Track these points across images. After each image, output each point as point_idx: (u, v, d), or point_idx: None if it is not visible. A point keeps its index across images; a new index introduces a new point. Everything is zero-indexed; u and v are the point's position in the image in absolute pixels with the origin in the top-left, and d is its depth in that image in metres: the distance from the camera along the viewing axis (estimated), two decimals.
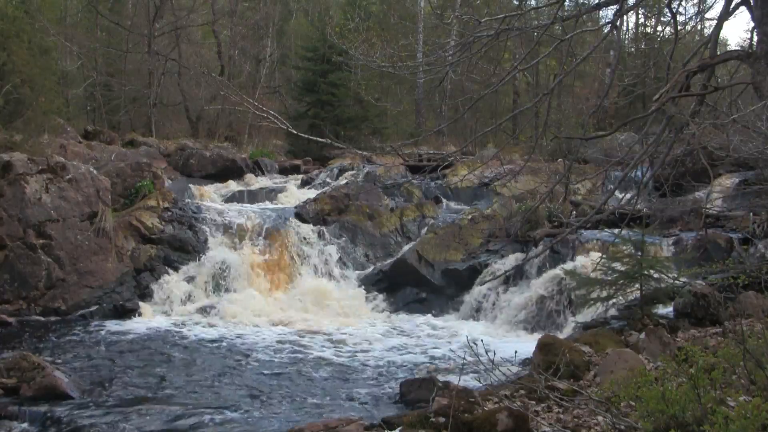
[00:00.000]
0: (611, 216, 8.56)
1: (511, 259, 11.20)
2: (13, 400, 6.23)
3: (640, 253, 6.92)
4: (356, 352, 8.76)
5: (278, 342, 9.16)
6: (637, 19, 24.94)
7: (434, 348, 9.06)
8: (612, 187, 9.79)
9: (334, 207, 13.16)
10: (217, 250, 11.76)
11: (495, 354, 4.09)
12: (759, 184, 9.32)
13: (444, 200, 14.72)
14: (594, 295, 7.06)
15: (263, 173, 17.50)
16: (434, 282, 11.58)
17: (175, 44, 21.56)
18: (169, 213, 11.95)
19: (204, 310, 10.60)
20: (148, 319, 10.24)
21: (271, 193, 15.39)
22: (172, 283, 11.09)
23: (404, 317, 11.05)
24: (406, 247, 12.62)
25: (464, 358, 5.25)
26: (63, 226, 10.64)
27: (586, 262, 9.77)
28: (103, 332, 9.34)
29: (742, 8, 6.00)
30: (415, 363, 8.25)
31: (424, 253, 11.88)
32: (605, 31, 6.39)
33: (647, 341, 4.71)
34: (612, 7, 6.26)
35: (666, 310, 6.69)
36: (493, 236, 11.91)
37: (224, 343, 8.98)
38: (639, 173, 4.43)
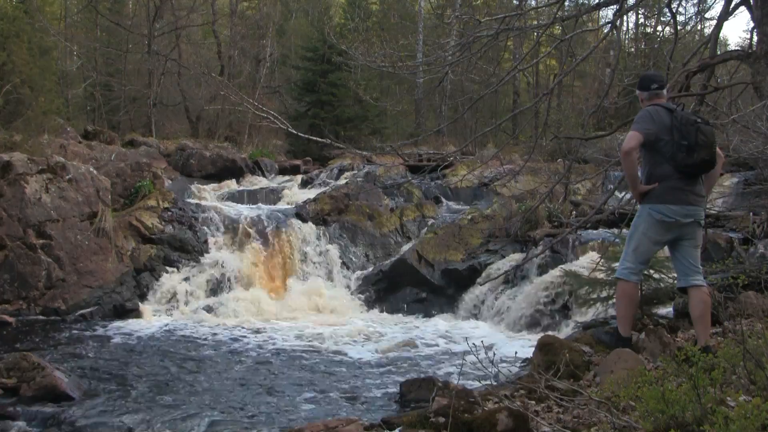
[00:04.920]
0: (611, 216, 8.56)
1: (511, 259, 11.20)
2: (13, 400, 6.23)
3: None
4: (356, 351, 8.75)
5: (277, 342, 9.16)
6: (637, 19, 24.96)
7: (434, 348, 9.06)
8: (612, 187, 9.79)
9: (334, 207, 13.17)
10: (217, 251, 11.77)
11: (495, 354, 4.09)
12: (759, 184, 9.32)
13: (444, 200, 14.72)
14: (594, 295, 7.05)
15: (263, 173, 17.49)
16: (434, 282, 11.58)
17: (175, 44, 21.55)
18: (169, 213, 11.95)
19: (204, 310, 10.61)
20: (148, 320, 10.25)
21: (271, 193, 15.39)
22: (172, 283, 11.10)
23: (404, 317, 11.06)
24: (406, 247, 12.62)
25: (464, 358, 5.25)
26: (63, 226, 10.65)
27: (586, 262, 9.78)
28: (103, 332, 9.35)
29: (742, 8, 6.01)
30: (415, 363, 8.25)
31: (424, 253, 11.88)
32: (605, 31, 6.40)
33: (647, 341, 4.70)
34: (612, 7, 6.27)
35: (666, 310, 6.69)
36: (493, 236, 11.92)
37: (224, 343, 8.98)
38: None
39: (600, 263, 6.92)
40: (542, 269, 10.67)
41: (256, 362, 8.12)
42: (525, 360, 6.39)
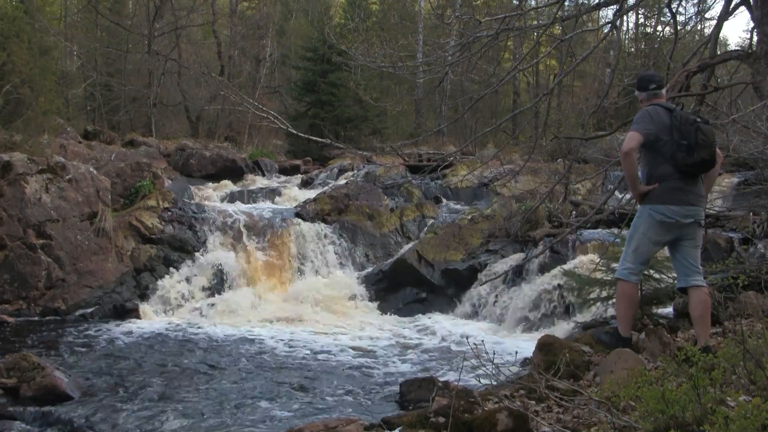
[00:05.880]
0: (611, 216, 8.56)
1: (511, 259, 11.20)
2: (13, 400, 6.23)
3: None
4: (356, 351, 8.76)
5: (278, 342, 9.16)
6: (637, 19, 24.97)
7: (434, 348, 9.06)
8: (612, 187, 9.79)
9: (334, 207, 13.17)
10: (217, 250, 11.76)
11: (495, 354, 4.10)
12: (759, 184, 9.32)
13: (444, 200, 14.72)
14: (594, 295, 7.05)
15: (263, 173, 17.50)
16: (434, 282, 11.58)
17: (175, 44, 21.56)
18: (169, 213, 11.94)
19: (204, 310, 10.61)
20: (148, 319, 10.25)
21: (271, 193, 15.39)
22: (172, 283, 11.09)
23: (404, 317, 11.06)
24: (406, 247, 12.62)
25: (464, 358, 5.25)
26: (63, 226, 10.64)
27: (586, 262, 9.78)
28: (103, 332, 9.35)
29: (742, 8, 6.01)
30: (415, 363, 8.25)
31: (424, 253, 11.88)
32: (605, 31, 6.40)
33: (647, 341, 4.70)
34: (612, 7, 6.27)
35: (666, 310, 6.69)
36: (493, 236, 11.92)
37: (224, 344, 8.98)
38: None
39: (600, 263, 6.91)
40: (542, 269, 10.67)
41: (256, 362, 8.12)
42: (525, 360, 6.40)
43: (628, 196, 6.67)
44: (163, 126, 20.92)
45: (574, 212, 12.21)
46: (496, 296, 10.87)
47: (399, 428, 3.71)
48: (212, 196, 14.95)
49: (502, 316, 10.52)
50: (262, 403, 6.54)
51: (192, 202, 13.26)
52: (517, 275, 10.83)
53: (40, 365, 6.57)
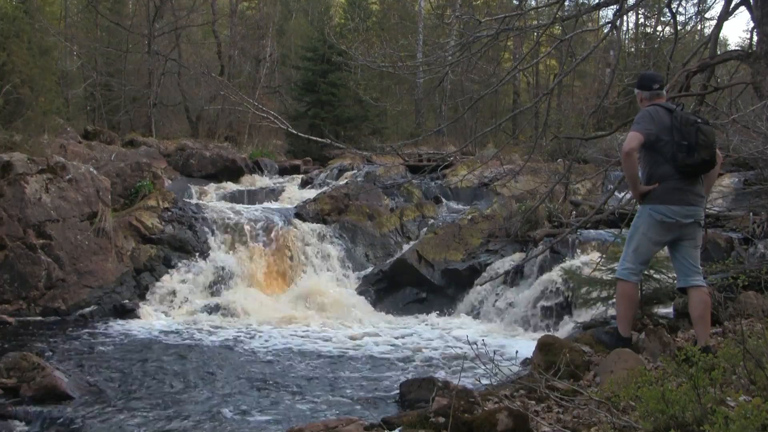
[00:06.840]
0: (611, 216, 8.56)
1: (511, 259, 11.20)
2: (13, 400, 6.22)
3: None
4: (356, 352, 8.76)
5: (277, 342, 9.16)
6: (637, 19, 24.98)
7: (434, 348, 9.06)
8: (612, 187, 9.79)
9: (334, 207, 13.17)
10: (217, 251, 11.77)
11: (495, 354, 4.10)
12: (759, 184, 9.32)
13: (444, 200, 14.72)
14: (594, 295, 7.05)
15: (263, 173, 17.51)
16: (434, 282, 11.58)
17: (175, 44, 21.57)
18: (169, 213, 11.95)
19: (203, 311, 10.61)
20: (148, 320, 10.24)
21: (271, 193, 15.40)
22: (172, 283, 11.09)
23: (404, 317, 11.06)
24: (406, 247, 12.62)
25: (464, 358, 5.26)
26: (63, 226, 10.64)
27: (586, 262, 9.78)
28: (102, 332, 9.35)
29: (742, 8, 6.02)
30: (415, 363, 8.25)
31: (424, 253, 11.88)
32: (605, 31, 6.41)
33: (647, 341, 4.70)
34: (612, 7, 6.27)
35: (666, 310, 6.69)
36: (493, 236, 11.91)
37: (223, 344, 8.98)
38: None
39: (600, 263, 6.91)
40: (542, 269, 10.67)
41: (256, 362, 8.12)
42: (525, 360, 6.39)
43: (628, 196, 6.67)
44: (163, 126, 20.93)
45: (574, 212, 12.21)
46: (496, 296, 10.87)
47: (399, 428, 3.71)
48: (212, 196, 14.96)
49: (502, 316, 10.52)
50: (262, 403, 6.54)
51: (192, 202, 13.27)
52: (517, 275, 10.83)
53: (40, 365, 6.56)
